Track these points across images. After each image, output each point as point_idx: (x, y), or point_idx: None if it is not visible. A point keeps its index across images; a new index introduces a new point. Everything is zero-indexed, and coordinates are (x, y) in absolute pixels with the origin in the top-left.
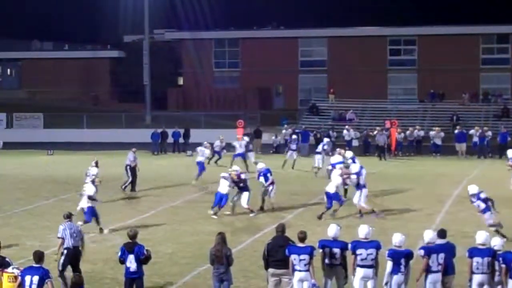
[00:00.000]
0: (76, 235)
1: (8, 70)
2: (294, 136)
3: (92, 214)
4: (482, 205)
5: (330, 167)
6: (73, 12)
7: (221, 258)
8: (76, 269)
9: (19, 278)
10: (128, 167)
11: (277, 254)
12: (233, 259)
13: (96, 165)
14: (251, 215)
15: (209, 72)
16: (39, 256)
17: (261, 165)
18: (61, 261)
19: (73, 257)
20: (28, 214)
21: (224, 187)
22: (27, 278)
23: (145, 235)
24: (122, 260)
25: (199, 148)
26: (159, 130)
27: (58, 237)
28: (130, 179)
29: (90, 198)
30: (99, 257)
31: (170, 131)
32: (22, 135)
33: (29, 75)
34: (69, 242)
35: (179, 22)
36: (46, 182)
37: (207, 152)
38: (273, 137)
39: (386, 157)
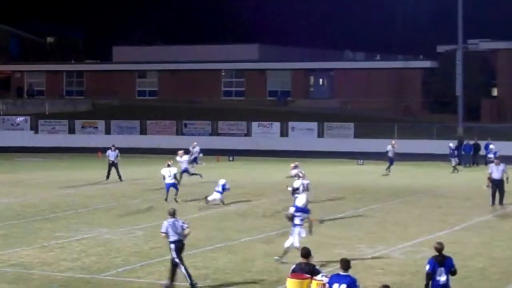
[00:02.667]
0: (179, 231)
1: (320, 80)
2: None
3: None
4: None
5: None
6: (386, 23)
7: None
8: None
9: (327, 285)
10: None
11: None
12: None
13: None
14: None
15: None
16: (346, 264)
17: None
18: (173, 253)
19: (179, 249)
20: (335, 223)
21: None
22: (335, 286)
23: (455, 249)
24: (432, 273)
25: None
26: (471, 142)
27: (162, 232)
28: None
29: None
30: (408, 269)
31: (482, 143)
32: (332, 144)
33: (340, 84)
34: (174, 237)
35: (493, 32)
36: (355, 192)
37: None
38: None
39: None
